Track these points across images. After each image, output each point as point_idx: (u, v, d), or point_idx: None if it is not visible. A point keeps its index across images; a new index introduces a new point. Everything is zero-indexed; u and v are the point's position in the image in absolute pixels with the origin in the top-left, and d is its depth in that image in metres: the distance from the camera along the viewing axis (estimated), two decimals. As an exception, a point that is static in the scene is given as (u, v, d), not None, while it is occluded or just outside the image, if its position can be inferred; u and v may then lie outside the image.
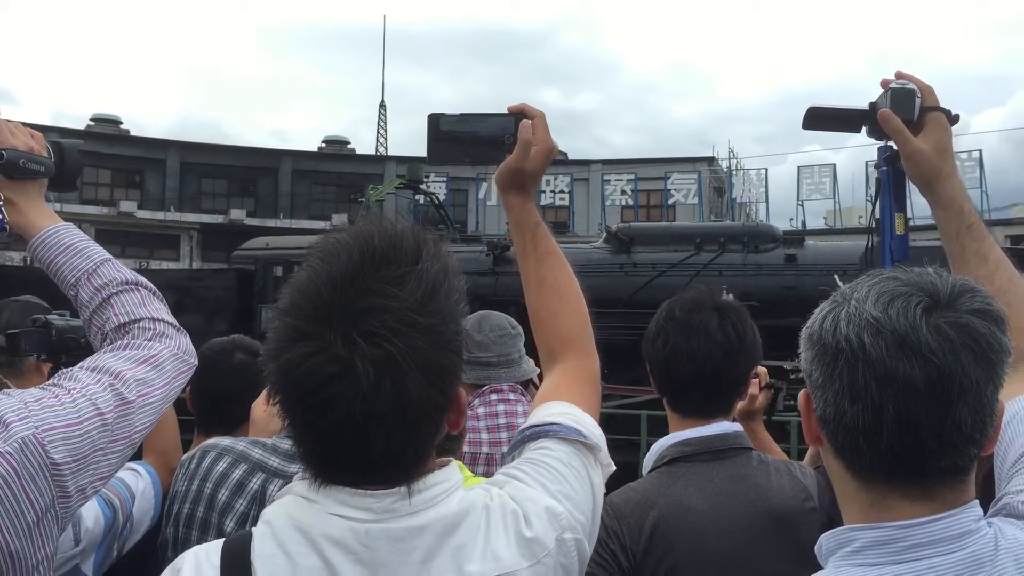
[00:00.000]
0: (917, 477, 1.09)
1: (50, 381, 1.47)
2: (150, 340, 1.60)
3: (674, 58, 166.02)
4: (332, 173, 39.33)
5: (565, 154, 41.56)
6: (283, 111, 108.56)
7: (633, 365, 12.05)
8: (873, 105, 1.64)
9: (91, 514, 1.84)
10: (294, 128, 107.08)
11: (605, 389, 11.27)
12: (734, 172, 35.17)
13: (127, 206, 36.21)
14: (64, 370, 1.51)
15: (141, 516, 2.00)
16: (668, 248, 12.91)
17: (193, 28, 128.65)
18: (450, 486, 1.17)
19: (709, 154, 37.48)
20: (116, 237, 35.87)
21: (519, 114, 1.57)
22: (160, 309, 1.68)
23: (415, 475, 1.14)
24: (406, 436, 1.11)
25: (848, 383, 1.09)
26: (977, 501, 1.13)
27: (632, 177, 35.81)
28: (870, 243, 2.18)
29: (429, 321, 1.10)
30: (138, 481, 2.02)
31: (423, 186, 21.97)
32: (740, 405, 2.50)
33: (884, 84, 1.64)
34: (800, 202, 32.12)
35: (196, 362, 1.67)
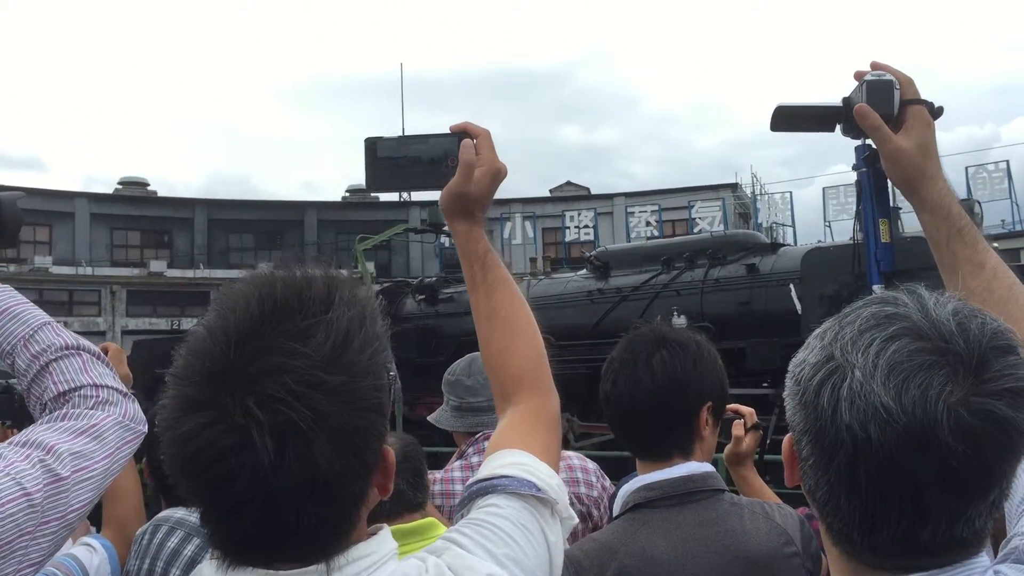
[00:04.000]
0: (914, 559, 0.95)
1: None
2: (92, 408, 1.50)
3: (693, 88, 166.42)
4: (357, 222, 39.50)
5: (587, 188, 41.63)
6: (310, 163, 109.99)
7: (591, 396, 11.43)
8: (847, 100, 1.49)
9: None
10: (322, 179, 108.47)
11: (582, 427, 10.81)
12: (758, 197, 34.91)
13: (157, 266, 36.60)
14: None
15: None
16: (639, 270, 12.01)
17: (218, 91, 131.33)
18: (379, 558, 1.05)
19: (732, 180, 37.31)
20: (148, 297, 36.37)
21: (462, 133, 1.44)
22: (104, 374, 1.58)
23: (336, 549, 1.02)
24: (320, 510, 0.99)
25: (846, 477, 0.93)
26: (984, 552, 0.99)
27: (656, 208, 35.66)
28: (855, 252, 1.98)
29: (339, 379, 0.98)
30: (92, 557, 1.91)
31: (447, 228, 22.01)
32: (726, 450, 2.38)
33: (858, 76, 1.48)
34: (827, 223, 31.76)
35: (145, 429, 1.56)
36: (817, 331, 1.02)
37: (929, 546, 0.93)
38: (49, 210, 36.76)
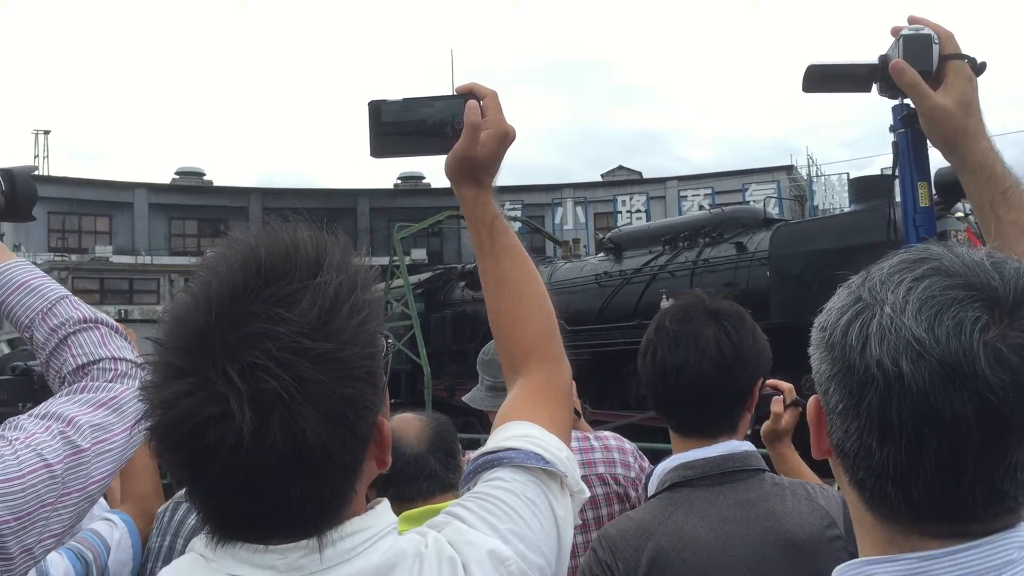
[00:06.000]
0: (953, 521, 0.88)
1: None
2: (111, 381, 1.50)
3: (752, 72, 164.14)
4: (408, 208, 39.85)
5: (640, 173, 41.29)
6: (361, 151, 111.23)
7: (601, 383, 10.99)
8: (884, 57, 1.41)
9: (60, 570, 1.74)
10: (376, 164, 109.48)
11: (593, 415, 10.52)
12: (815, 179, 34.31)
13: (214, 254, 37.35)
14: (10, 419, 1.40)
15: (119, 569, 1.88)
16: (647, 251, 11.80)
17: (272, 79, 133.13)
18: (374, 533, 1.00)
19: (788, 163, 36.74)
20: (205, 285, 37.27)
21: (468, 94, 1.37)
22: (123, 347, 1.58)
23: (328, 524, 0.98)
24: (308, 484, 0.94)
25: (878, 419, 0.87)
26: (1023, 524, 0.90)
27: (709, 191, 35.28)
28: (892, 215, 1.86)
29: (326, 346, 0.93)
30: (113, 531, 1.91)
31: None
32: (764, 426, 2.29)
33: (895, 32, 1.40)
34: (886, 204, 31.09)
35: None
36: (845, 283, 0.97)
37: (968, 500, 0.86)
38: (109, 200, 37.69)
